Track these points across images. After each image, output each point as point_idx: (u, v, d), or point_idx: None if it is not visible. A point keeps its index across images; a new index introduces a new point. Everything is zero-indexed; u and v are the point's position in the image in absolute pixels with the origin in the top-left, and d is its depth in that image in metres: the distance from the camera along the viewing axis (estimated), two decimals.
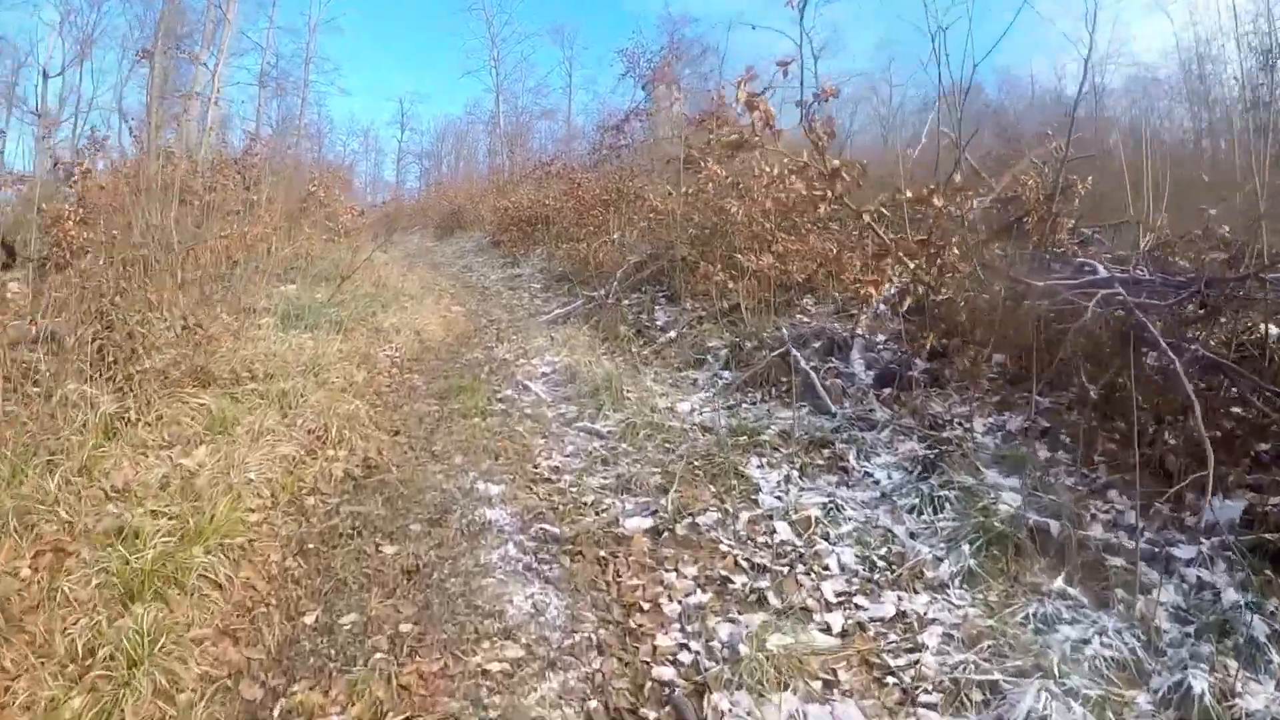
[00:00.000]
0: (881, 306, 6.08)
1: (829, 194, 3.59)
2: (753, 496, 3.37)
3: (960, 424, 4.14)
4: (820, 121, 3.53)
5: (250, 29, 19.56)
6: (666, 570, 2.79)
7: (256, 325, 6.47)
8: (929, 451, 3.72)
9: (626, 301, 7.76)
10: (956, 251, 5.69)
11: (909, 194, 4.71)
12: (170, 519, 2.67)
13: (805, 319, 5.98)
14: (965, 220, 6.04)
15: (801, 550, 2.91)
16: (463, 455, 3.69)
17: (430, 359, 5.97)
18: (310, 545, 2.92)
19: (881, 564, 2.84)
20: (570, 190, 11.73)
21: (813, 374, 4.60)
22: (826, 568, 2.83)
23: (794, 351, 4.90)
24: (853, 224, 7.64)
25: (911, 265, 3.87)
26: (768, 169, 6.34)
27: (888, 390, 4.65)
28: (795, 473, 3.59)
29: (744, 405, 4.61)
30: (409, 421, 4.26)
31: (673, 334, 6.12)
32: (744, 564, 2.82)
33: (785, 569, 2.79)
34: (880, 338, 5.35)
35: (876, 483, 3.56)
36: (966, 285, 5.42)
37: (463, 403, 4.56)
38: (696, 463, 3.61)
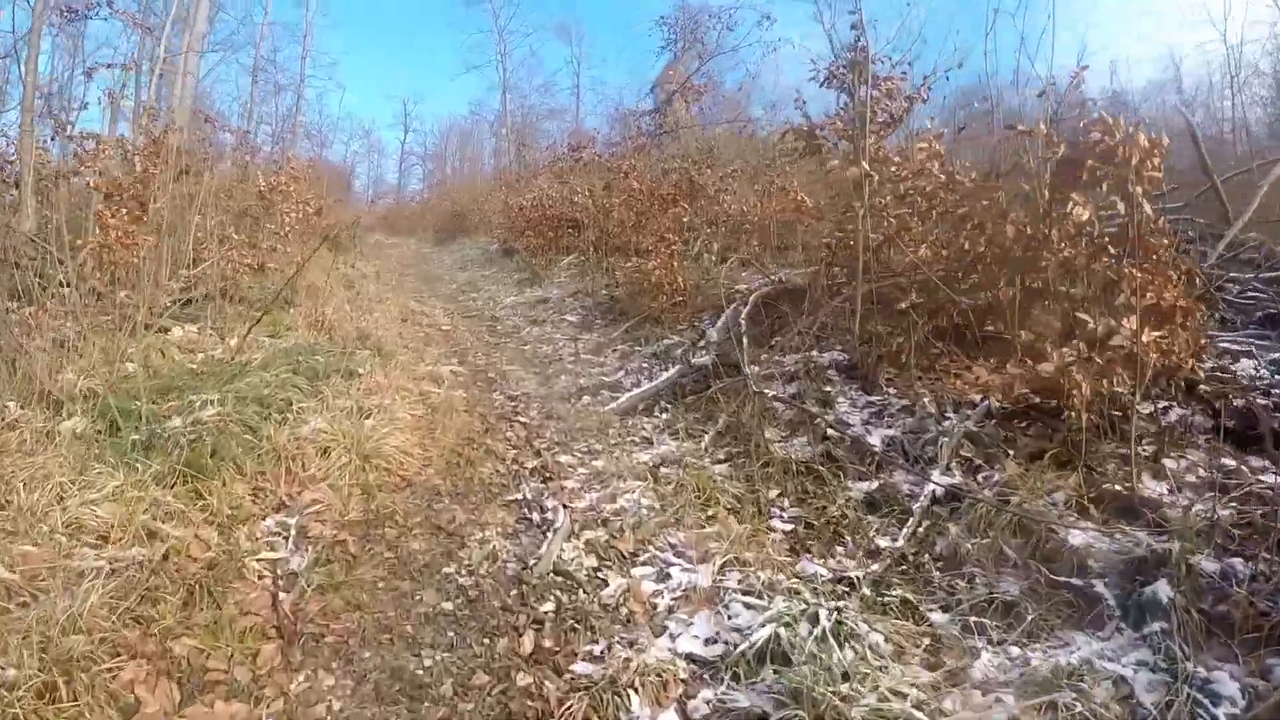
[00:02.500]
0: None
1: None
2: None
3: None
4: None
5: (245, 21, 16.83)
6: None
7: (47, 435, 2.95)
8: None
9: (758, 368, 4.38)
10: None
11: None
12: None
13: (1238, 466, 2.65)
14: None
15: None
16: None
17: (375, 572, 2.38)
18: None
19: None
20: (618, 182, 8.36)
21: None
22: None
23: None
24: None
25: None
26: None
27: None
28: None
29: None
30: None
31: (960, 534, 2.73)
32: None
33: None
34: None
35: None
36: None
37: None
38: None
